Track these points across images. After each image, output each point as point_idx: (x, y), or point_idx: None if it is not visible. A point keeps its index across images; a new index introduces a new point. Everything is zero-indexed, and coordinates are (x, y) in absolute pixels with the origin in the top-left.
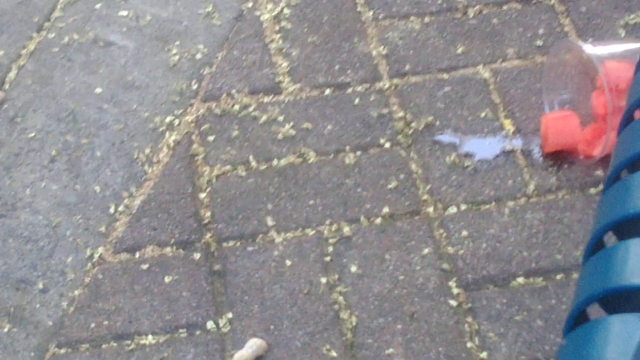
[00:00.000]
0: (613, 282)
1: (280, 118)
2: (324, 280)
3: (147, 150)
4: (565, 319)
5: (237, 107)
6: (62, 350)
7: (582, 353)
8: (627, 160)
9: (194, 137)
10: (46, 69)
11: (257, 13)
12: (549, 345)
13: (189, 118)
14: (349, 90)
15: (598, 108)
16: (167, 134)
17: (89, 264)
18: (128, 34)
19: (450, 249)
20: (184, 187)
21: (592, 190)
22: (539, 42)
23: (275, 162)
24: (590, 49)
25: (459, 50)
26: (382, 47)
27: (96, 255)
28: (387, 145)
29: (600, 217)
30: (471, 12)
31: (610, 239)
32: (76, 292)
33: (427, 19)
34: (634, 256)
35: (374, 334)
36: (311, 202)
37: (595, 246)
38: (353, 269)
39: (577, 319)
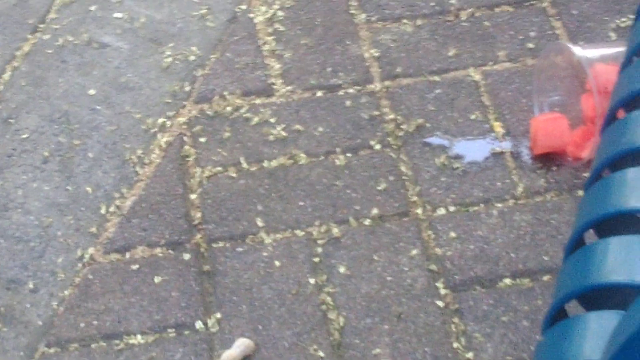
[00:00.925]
0: (592, 279)
1: (272, 120)
2: (312, 280)
3: (139, 152)
4: (545, 316)
5: (229, 108)
6: (52, 350)
7: (559, 349)
8: (608, 159)
9: (185, 138)
10: (40, 70)
11: (251, 15)
12: (534, 346)
13: (181, 119)
14: (341, 92)
15: (587, 110)
16: (159, 135)
17: (80, 264)
18: (122, 36)
19: (439, 250)
20: (175, 188)
21: (581, 192)
22: (530, 45)
23: (266, 163)
24: (580, 51)
25: (451, 53)
26: (374, 49)
27: (87, 256)
28: (378, 147)
29: (582, 215)
30: (463, 15)
31: (592, 237)
32: (66, 292)
33: (419, 22)
34: (613, 254)
35: (361, 334)
36: (301, 203)
37: (576, 244)
38: (341, 269)
39: (556, 316)
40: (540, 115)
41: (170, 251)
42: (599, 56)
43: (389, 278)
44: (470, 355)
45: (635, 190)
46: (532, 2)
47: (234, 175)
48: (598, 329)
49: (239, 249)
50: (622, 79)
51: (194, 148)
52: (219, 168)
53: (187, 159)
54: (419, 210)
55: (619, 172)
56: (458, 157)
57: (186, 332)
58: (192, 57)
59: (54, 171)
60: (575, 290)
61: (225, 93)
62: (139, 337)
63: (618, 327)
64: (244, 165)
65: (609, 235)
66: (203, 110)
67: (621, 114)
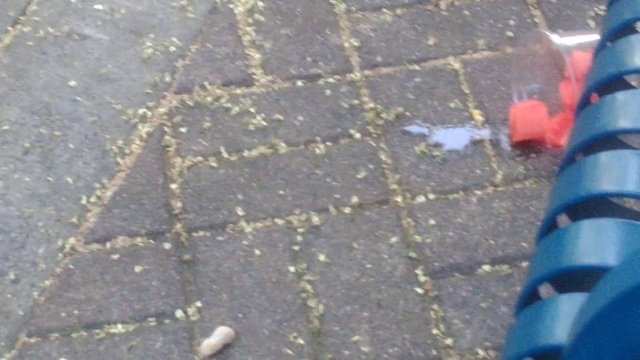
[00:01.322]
0: (564, 262)
1: (252, 109)
2: (292, 269)
3: (120, 142)
4: (517, 298)
5: (209, 98)
6: (33, 340)
7: (530, 331)
8: (581, 143)
9: (166, 128)
10: (21, 62)
11: (231, 6)
12: None
13: (161, 110)
14: (321, 81)
15: (566, 98)
16: (140, 125)
17: (60, 255)
18: (103, 28)
19: (418, 238)
20: (156, 178)
21: None
22: (510, 33)
23: (246, 153)
24: (558, 39)
25: (430, 42)
26: (354, 39)
27: (67, 246)
28: (357, 135)
29: (554, 198)
30: (443, 4)
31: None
32: (47, 282)
33: (399, 11)
34: (585, 237)
35: (340, 321)
36: (281, 192)
37: (549, 227)
38: (321, 257)
39: (529, 299)
40: (519, 102)
41: (151, 241)
42: (577, 44)
43: (368, 266)
44: (449, 341)
45: (607, 173)
46: None
47: (215, 164)
48: (569, 311)
49: (219, 238)
50: (595, 64)
51: (175, 138)
52: (200, 158)
53: (168, 149)
54: (399, 198)
55: (592, 155)
56: (438, 145)
57: (167, 321)
58: (173, 48)
59: (35, 162)
60: (547, 273)
61: (206, 83)
62: (119, 326)
63: (582, 309)
64: (224, 154)
65: (582, 219)
66: (183, 101)
67: (595, 98)
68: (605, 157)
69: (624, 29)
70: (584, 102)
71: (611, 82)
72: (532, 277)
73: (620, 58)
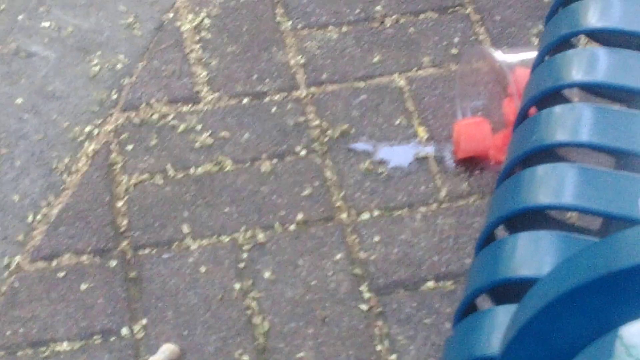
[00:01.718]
0: (501, 273)
1: (198, 127)
2: (237, 286)
3: (67, 160)
4: (455, 310)
5: (155, 116)
6: None
7: (467, 343)
8: (519, 157)
9: (112, 146)
10: None
11: (178, 24)
12: None
13: (108, 128)
14: (267, 99)
15: (509, 115)
16: (87, 143)
17: (6, 273)
18: (50, 45)
19: (363, 254)
20: (102, 196)
21: None
22: (454, 51)
23: (192, 170)
24: (501, 56)
25: (376, 59)
26: (300, 56)
27: (13, 264)
28: (303, 153)
29: (493, 211)
30: (388, 22)
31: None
32: None
33: (344, 29)
34: (522, 249)
35: (285, 338)
36: (227, 209)
37: (487, 239)
38: (266, 274)
39: (467, 311)
40: (463, 119)
41: (97, 258)
42: (520, 61)
43: (313, 282)
44: (393, 357)
45: (543, 187)
46: (455, 8)
47: (160, 182)
48: (506, 323)
49: (165, 256)
50: (533, 79)
51: (121, 156)
52: (146, 175)
53: (114, 166)
54: (344, 215)
55: (529, 169)
56: (382, 162)
57: (112, 339)
58: (119, 66)
59: None
60: (484, 285)
61: (152, 101)
62: (65, 344)
63: (512, 319)
64: (170, 172)
65: (519, 231)
66: (130, 118)
67: (533, 112)
68: (542, 170)
69: (561, 44)
70: (522, 116)
71: (549, 96)
72: (470, 289)
73: (557, 72)
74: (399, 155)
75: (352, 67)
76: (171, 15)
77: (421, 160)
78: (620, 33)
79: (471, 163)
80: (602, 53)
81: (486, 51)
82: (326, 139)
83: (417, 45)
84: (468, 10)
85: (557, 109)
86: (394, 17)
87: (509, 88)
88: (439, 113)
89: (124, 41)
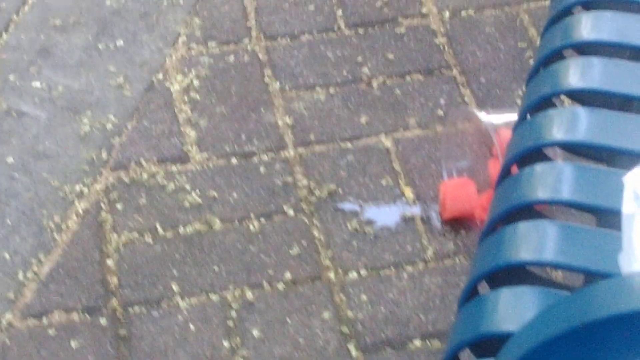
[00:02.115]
0: (483, 328)
1: (188, 186)
2: (226, 344)
3: (57, 218)
4: None
5: (145, 175)
6: None
7: None
8: (501, 214)
9: (102, 205)
10: None
11: (167, 84)
12: None
13: (98, 187)
14: (255, 159)
15: (494, 175)
16: (77, 202)
17: None
18: (40, 105)
19: (350, 313)
20: (92, 254)
21: None
22: (440, 112)
23: (181, 229)
24: (486, 117)
25: (363, 120)
26: (288, 117)
27: (4, 321)
28: (291, 212)
29: (475, 267)
30: (375, 83)
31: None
32: None
33: (332, 90)
34: (504, 304)
35: None
36: (216, 268)
37: (470, 295)
38: (255, 333)
39: None
40: (449, 180)
41: (87, 316)
42: (505, 122)
43: (301, 340)
44: None
45: (525, 243)
46: (441, 70)
47: (150, 241)
48: None
49: (155, 314)
50: (514, 137)
51: (111, 214)
52: (135, 234)
53: (104, 225)
54: (331, 274)
55: (510, 225)
56: (369, 222)
57: None
58: (110, 126)
59: None
60: (466, 340)
61: (142, 160)
62: None
63: None
64: (160, 231)
65: (501, 287)
66: (120, 178)
67: (514, 170)
68: (523, 227)
69: (543, 103)
70: (504, 175)
71: (530, 155)
72: (452, 344)
73: (538, 131)
74: (385, 215)
75: (339, 127)
76: (161, 76)
77: (407, 221)
78: (601, 93)
79: (457, 223)
80: (582, 113)
81: (471, 112)
82: (314, 199)
83: (404, 107)
84: (454, 72)
85: (538, 167)
86: (380, 78)
87: (494, 149)
88: (425, 174)
89: (114, 101)
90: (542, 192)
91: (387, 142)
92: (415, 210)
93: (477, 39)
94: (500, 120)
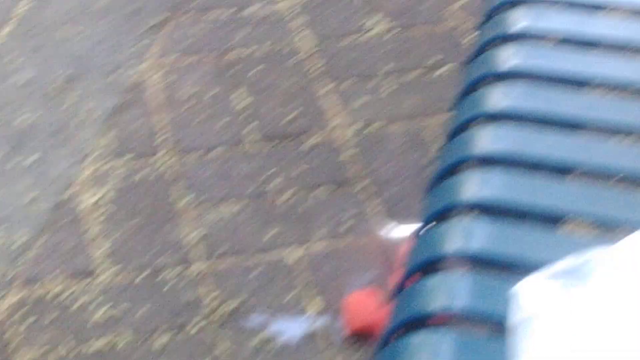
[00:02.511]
0: None
1: (94, 303)
2: None
3: None
4: None
5: (52, 293)
6: None
7: None
8: (394, 328)
9: (8, 324)
10: None
11: (77, 200)
12: None
13: (4, 305)
14: (163, 274)
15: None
16: None
17: None
18: None
19: None
20: None
21: None
22: (348, 224)
23: (86, 348)
24: (393, 229)
25: (271, 233)
26: (198, 230)
27: None
28: (194, 330)
29: None
30: (284, 196)
31: None
32: None
33: (241, 204)
34: None
35: None
36: None
37: None
38: None
39: None
40: (355, 292)
41: None
42: (409, 234)
43: None
44: None
45: (417, 357)
46: (351, 181)
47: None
48: None
49: None
50: (413, 249)
51: (17, 333)
52: (42, 352)
53: (9, 344)
54: None
55: (403, 338)
56: (274, 337)
57: None
58: (19, 242)
59: None
60: None
61: (50, 277)
62: None
63: None
64: (67, 349)
65: None
66: (27, 295)
67: (408, 283)
68: (417, 340)
69: (440, 215)
70: (400, 287)
71: (427, 266)
72: None
73: (435, 243)
74: (290, 329)
75: (248, 241)
76: (72, 191)
77: (313, 334)
78: (500, 203)
79: (363, 335)
80: (477, 224)
81: (378, 225)
82: (219, 314)
83: (312, 220)
84: (364, 184)
85: (433, 278)
86: (289, 191)
87: (398, 261)
88: (332, 286)
89: (24, 218)
90: (434, 304)
91: (295, 255)
92: (321, 324)
93: (385, 151)
94: (408, 232)
